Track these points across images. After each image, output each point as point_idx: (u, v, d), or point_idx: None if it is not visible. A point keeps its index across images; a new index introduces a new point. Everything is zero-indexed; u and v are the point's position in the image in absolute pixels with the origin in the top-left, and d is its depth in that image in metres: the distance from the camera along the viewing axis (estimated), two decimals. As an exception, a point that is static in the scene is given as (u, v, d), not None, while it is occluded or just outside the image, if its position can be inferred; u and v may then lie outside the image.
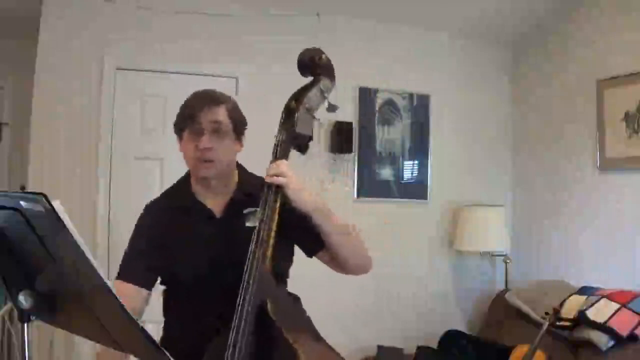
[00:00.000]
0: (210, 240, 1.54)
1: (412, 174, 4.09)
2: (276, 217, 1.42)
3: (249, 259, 1.38)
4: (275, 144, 1.52)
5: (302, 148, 1.56)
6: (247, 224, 1.50)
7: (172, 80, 3.45)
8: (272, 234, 1.41)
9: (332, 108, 1.60)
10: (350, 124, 3.79)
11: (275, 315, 1.31)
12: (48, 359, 3.10)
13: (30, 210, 0.93)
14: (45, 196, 0.89)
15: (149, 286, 1.57)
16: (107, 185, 3.32)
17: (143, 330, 1.01)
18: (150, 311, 1.60)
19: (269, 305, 1.32)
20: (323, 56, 1.60)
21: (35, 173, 3.23)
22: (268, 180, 1.44)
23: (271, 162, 1.49)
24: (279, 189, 1.44)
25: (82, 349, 3.14)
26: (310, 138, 1.56)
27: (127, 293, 1.50)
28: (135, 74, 3.41)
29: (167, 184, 1.70)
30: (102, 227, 3.29)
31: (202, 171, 1.54)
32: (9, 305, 3.02)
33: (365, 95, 3.91)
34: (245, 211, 1.54)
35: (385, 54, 3.95)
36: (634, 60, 3.38)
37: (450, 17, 3.97)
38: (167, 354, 1.05)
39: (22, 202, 0.94)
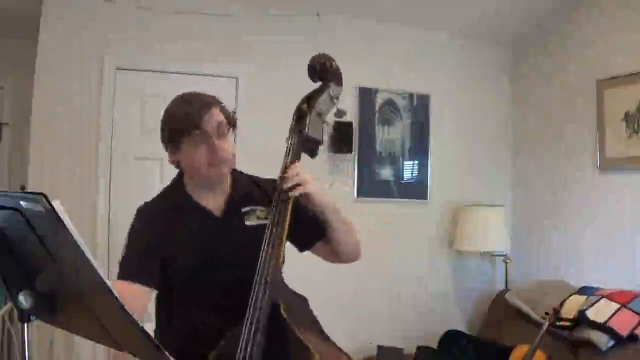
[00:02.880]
0: (211, 239, 1.53)
1: (412, 174, 4.09)
2: (288, 218, 1.43)
3: (261, 259, 1.38)
4: (287, 147, 1.52)
5: (313, 152, 1.57)
6: (247, 223, 1.51)
7: (172, 80, 3.44)
8: (284, 235, 1.42)
9: (340, 113, 1.62)
10: (350, 124, 3.78)
11: (288, 316, 1.32)
12: (48, 359, 3.10)
13: (30, 210, 0.93)
14: (45, 196, 0.89)
15: (152, 284, 1.53)
16: (107, 185, 3.32)
17: (143, 330, 1.01)
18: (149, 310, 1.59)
19: (282, 306, 1.33)
20: (334, 63, 1.62)
21: (35, 173, 3.23)
22: (291, 192, 1.44)
23: (284, 164, 1.49)
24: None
25: (82, 349, 3.14)
26: (321, 142, 1.57)
27: (135, 293, 1.47)
28: (135, 74, 3.41)
29: (167, 184, 1.69)
30: (102, 227, 3.29)
31: (217, 173, 1.53)
32: (9, 305, 3.02)
33: (365, 95, 3.91)
34: (243, 210, 1.55)
35: (385, 54, 3.95)
36: (634, 60, 3.38)
37: (450, 17, 3.97)
38: (167, 353, 1.05)
39: (22, 202, 0.94)
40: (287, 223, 1.43)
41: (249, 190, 1.58)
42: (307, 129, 1.53)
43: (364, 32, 3.89)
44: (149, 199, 1.69)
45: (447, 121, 4.14)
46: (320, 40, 3.58)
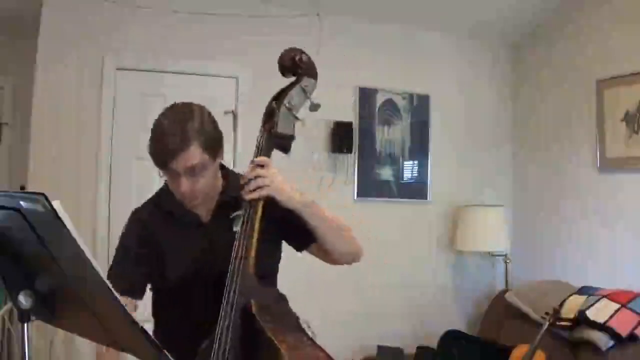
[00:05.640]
0: (197, 245, 1.53)
1: (412, 174, 4.09)
2: (259, 216, 1.42)
3: (231, 263, 1.38)
4: (256, 146, 1.51)
5: (285, 148, 1.54)
6: (234, 229, 1.46)
7: (172, 80, 3.44)
8: (255, 234, 1.40)
9: (314, 107, 1.56)
10: (350, 124, 3.78)
11: (260, 316, 1.31)
12: (48, 359, 3.10)
13: (30, 210, 0.93)
14: (45, 196, 0.89)
15: (139, 295, 1.55)
16: (107, 185, 3.32)
17: (143, 330, 1.01)
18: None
19: (253, 306, 1.32)
20: (303, 55, 1.58)
21: (35, 173, 3.23)
22: (249, 187, 1.42)
23: (250, 163, 1.47)
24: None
25: (82, 349, 3.14)
26: (293, 137, 1.53)
27: None
28: (135, 74, 3.41)
29: (158, 189, 1.68)
30: (102, 227, 3.28)
31: (189, 204, 1.52)
32: (9, 305, 3.02)
33: (365, 95, 3.91)
34: (232, 215, 1.50)
35: (385, 54, 3.95)
36: (634, 60, 3.38)
37: (450, 17, 3.97)
38: (167, 354, 1.05)
39: (22, 202, 0.94)
40: (257, 222, 1.41)
41: (239, 193, 1.50)
42: (276, 125, 1.50)
43: (364, 32, 3.89)
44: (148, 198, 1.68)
45: (447, 121, 4.14)
46: (321, 40, 3.58)
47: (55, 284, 1.10)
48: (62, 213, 0.91)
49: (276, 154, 1.53)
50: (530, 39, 4.20)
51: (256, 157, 1.48)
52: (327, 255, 1.61)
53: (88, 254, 0.95)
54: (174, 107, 1.50)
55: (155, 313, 1.62)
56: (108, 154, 3.33)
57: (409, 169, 4.08)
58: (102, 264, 0.96)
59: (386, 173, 3.98)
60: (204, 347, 1.36)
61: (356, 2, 3.74)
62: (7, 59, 3.92)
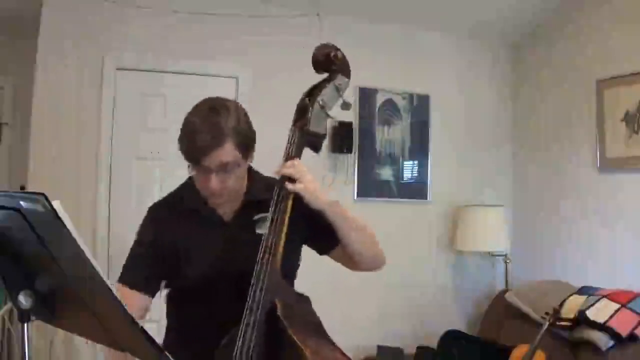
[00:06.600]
0: (219, 244, 1.52)
1: (412, 174, 4.09)
2: (287, 217, 1.41)
3: (258, 259, 1.37)
4: (288, 142, 1.48)
5: (317, 147, 1.51)
6: (258, 231, 1.46)
7: (172, 80, 3.45)
8: (283, 235, 1.39)
9: (346, 106, 1.54)
10: (350, 124, 3.79)
11: (284, 317, 1.30)
12: (48, 359, 3.10)
13: (30, 210, 0.93)
14: (45, 196, 0.89)
15: (153, 293, 1.54)
16: (107, 185, 3.32)
17: (143, 330, 1.01)
18: (150, 311, 1.60)
19: (278, 307, 1.32)
20: (338, 53, 1.55)
21: (35, 173, 3.23)
22: (290, 187, 1.41)
23: (284, 161, 1.46)
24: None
25: (82, 349, 3.14)
26: (324, 136, 1.51)
27: (130, 299, 1.47)
28: (135, 74, 3.41)
29: (168, 184, 1.67)
30: (102, 227, 3.29)
31: (214, 202, 1.50)
32: (9, 305, 3.02)
33: (365, 95, 3.91)
34: (255, 217, 1.50)
35: (385, 54, 3.95)
36: (634, 60, 3.38)
37: (450, 17, 3.97)
38: (168, 354, 1.05)
39: (22, 202, 0.94)
40: (285, 221, 1.40)
41: (264, 195, 1.49)
42: (309, 123, 1.48)
43: (364, 32, 3.89)
44: (149, 198, 1.67)
45: (447, 121, 4.14)
46: (321, 40, 3.57)
47: (55, 284, 1.10)
48: (62, 213, 0.91)
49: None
50: (530, 39, 4.20)
51: (287, 154, 1.47)
52: (350, 259, 1.59)
53: (88, 254, 0.95)
54: (209, 101, 1.48)
55: (172, 312, 1.61)
56: (108, 154, 3.33)
57: (409, 169, 4.08)
58: (102, 264, 0.96)
59: (386, 173, 3.98)
60: (224, 344, 1.35)
61: (356, 2, 3.74)
62: (7, 59, 3.92)
